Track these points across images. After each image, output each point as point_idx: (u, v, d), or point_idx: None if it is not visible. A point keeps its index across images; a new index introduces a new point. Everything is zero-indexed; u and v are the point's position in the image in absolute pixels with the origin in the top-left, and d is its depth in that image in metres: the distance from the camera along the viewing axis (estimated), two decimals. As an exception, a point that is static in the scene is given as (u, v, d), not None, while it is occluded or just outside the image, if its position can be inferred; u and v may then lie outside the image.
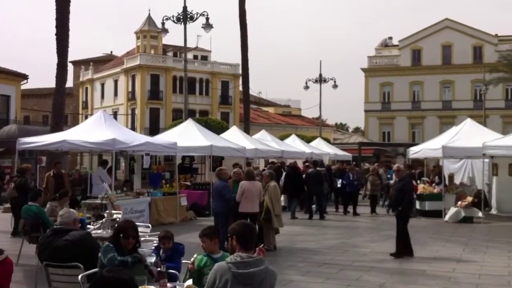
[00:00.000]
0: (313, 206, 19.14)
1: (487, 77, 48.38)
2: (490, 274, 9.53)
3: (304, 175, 19.62)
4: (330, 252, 11.75)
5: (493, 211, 19.91)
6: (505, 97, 56.37)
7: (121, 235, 5.57)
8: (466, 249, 12.25)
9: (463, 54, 57.53)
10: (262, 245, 8.23)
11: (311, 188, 19.05)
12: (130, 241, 5.58)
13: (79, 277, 5.45)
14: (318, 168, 20.34)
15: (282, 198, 20.65)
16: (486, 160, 19.25)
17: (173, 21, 25.69)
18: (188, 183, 19.95)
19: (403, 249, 11.14)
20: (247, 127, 29.40)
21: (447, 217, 17.52)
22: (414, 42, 59.51)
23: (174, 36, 62.35)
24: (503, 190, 19.63)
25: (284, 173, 20.43)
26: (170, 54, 57.08)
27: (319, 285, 8.80)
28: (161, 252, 6.47)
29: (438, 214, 18.27)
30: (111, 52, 69.05)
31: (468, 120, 21.28)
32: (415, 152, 21.46)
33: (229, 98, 57.50)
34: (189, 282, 5.26)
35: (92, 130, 15.13)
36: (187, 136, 19.22)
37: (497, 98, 54.95)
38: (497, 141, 17.81)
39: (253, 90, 50.46)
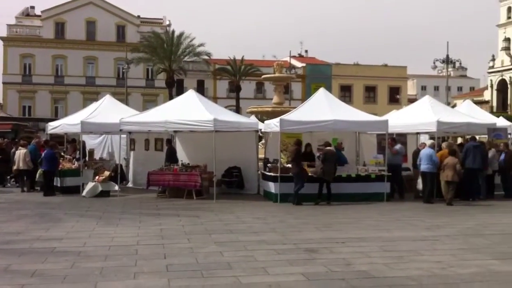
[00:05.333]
0: None
1: (129, 56, 50.54)
2: (120, 245, 9.81)
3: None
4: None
5: (130, 184, 20.91)
6: (146, 76, 59.81)
7: None
8: (100, 222, 12.42)
9: (107, 32, 58.62)
10: None
11: None
12: None
13: None
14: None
15: None
16: (124, 135, 20.05)
17: None
18: None
19: None
20: None
21: (84, 192, 17.54)
22: (57, 15, 57.81)
23: None
24: (139, 164, 20.73)
25: None
26: None
27: None
28: None
29: (77, 189, 18.15)
30: None
31: (107, 96, 21.72)
32: (54, 127, 20.77)
33: None
34: None
35: None
36: None
37: (139, 77, 57.97)
38: (133, 117, 18.57)
39: None
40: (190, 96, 18.53)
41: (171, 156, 18.72)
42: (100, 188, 17.54)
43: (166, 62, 50.67)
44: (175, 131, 19.45)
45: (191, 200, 16.65)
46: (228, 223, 12.38)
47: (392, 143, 17.70)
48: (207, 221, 12.58)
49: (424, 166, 16.35)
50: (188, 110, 17.36)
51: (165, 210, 14.51)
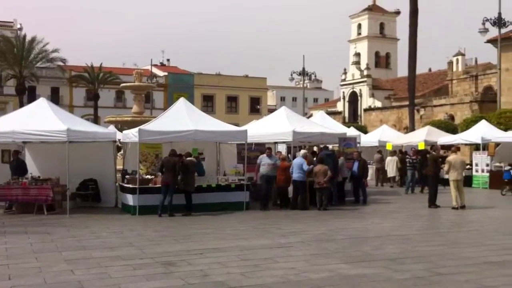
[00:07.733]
0: None
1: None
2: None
3: None
4: None
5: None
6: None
7: None
8: None
9: None
10: None
11: None
12: None
13: None
14: None
15: None
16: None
17: None
18: None
19: None
20: None
21: None
22: None
23: None
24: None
25: None
26: None
27: None
28: None
29: None
30: None
31: None
32: None
33: None
34: None
35: None
36: None
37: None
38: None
39: None
40: (41, 104, 17.41)
41: (19, 169, 17.36)
42: None
43: (16, 67, 47.44)
44: (24, 142, 18.14)
45: (41, 215, 15.59)
46: (81, 239, 11.73)
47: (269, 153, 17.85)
48: (58, 238, 11.82)
49: (295, 175, 16.93)
50: (39, 119, 16.28)
51: (12, 227, 13.43)
